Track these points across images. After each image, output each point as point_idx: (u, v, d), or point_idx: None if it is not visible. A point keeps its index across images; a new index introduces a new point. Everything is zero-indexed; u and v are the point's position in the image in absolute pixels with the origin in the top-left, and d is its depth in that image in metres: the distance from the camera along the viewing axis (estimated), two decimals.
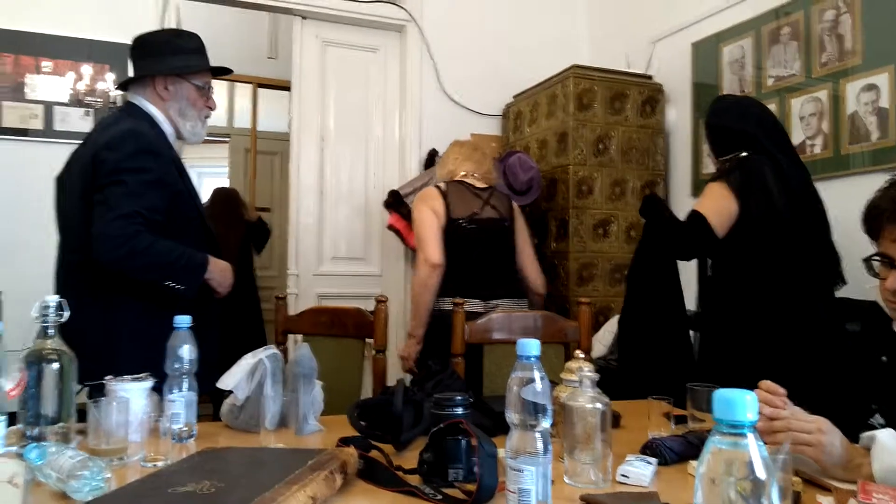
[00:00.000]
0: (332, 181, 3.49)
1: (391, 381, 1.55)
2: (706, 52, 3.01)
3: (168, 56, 1.77)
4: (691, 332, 2.08)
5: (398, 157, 3.57)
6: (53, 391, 1.27)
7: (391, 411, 1.28)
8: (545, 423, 0.86)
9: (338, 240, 3.47)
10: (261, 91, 4.94)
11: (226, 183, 4.83)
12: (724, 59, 2.91)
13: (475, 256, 2.37)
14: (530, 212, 3.06)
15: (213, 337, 1.78)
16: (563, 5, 3.84)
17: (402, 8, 3.55)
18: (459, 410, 1.13)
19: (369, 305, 2.00)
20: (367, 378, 1.99)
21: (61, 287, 1.70)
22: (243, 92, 5.04)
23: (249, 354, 1.47)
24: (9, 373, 1.24)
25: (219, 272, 1.77)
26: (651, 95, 3.19)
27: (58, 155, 2.88)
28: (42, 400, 1.26)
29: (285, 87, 3.87)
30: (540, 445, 0.86)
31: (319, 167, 3.47)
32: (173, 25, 3.13)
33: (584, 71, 3.10)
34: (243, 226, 4.07)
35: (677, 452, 1.17)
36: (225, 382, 1.44)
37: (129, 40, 2.99)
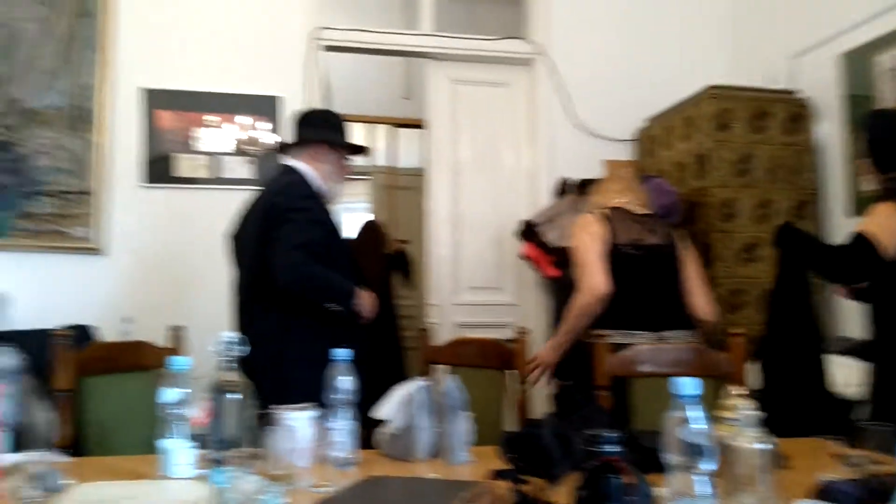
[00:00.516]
0: (466, 212, 3.59)
1: (534, 414, 1.57)
2: (858, 63, 2.81)
3: (323, 129, 2.13)
4: (860, 362, 1.93)
5: (529, 188, 3.61)
6: (234, 419, 1.40)
7: (541, 445, 1.29)
8: (707, 466, 0.85)
9: (473, 270, 3.55)
10: (397, 130, 5.21)
11: (368, 218, 5.08)
12: (879, 68, 2.70)
13: (642, 285, 2.22)
14: None
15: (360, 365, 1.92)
16: (695, 25, 3.74)
17: (530, 42, 3.62)
18: (614, 448, 1.12)
19: (505, 335, 2.03)
20: (509, 409, 2.01)
21: (241, 319, 1.97)
22: (381, 132, 5.31)
23: (402, 385, 1.55)
24: (197, 402, 1.39)
25: (365, 299, 2.01)
26: (796, 111, 3.01)
27: (223, 199, 3.20)
28: (224, 427, 1.40)
29: (419, 125, 4.05)
30: (702, 489, 0.84)
31: (453, 199, 3.59)
32: (318, 75, 3.39)
33: (722, 90, 2.99)
34: (384, 256, 4.26)
35: (857, 498, 1.09)
36: (380, 412, 1.52)
37: (279, 93, 3.28)
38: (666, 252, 2.28)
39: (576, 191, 3.29)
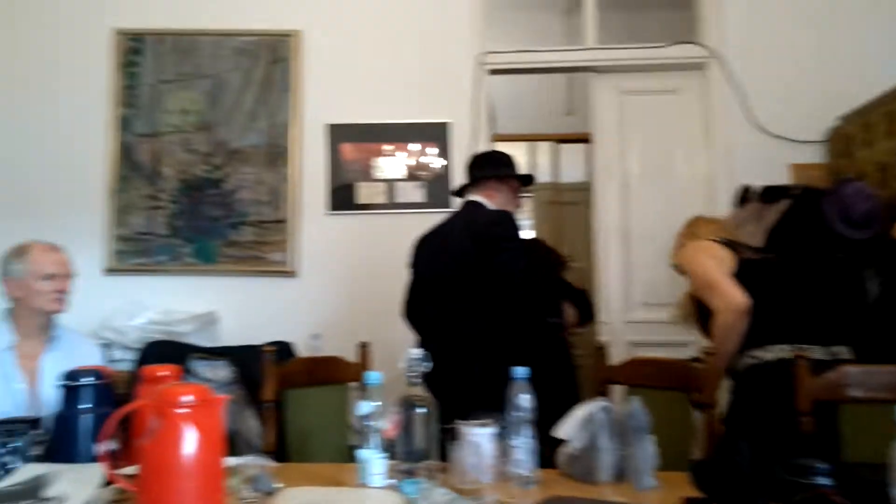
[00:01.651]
0: (636, 226, 3.48)
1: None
2: None
3: (490, 167, 2.32)
4: None
5: (705, 196, 3.42)
6: (421, 432, 1.47)
7: (739, 473, 1.22)
8: None
9: (646, 285, 3.43)
10: (559, 146, 5.21)
11: (531, 234, 5.12)
12: None
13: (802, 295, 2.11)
14: (872, 246, 2.66)
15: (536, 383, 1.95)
16: (889, 6, 3.35)
17: (702, 46, 3.45)
18: (824, 480, 1.03)
19: (685, 354, 1.93)
20: (693, 433, 1.91)
21: (427, 332, 2.15)
22: (543, 149, 5.34)
23: (582, 405, 1.53)
24: (387, 415, 1.48)
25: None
26: None
27: (399, 222, 3.38)
28: (412, 440, 1.48)
29: (582, 139, 4.01)
30: None
31: (622, 212, 3.50)
32: (483, 96, 3.48)
33: None
34: (550, 273, 4.24)
35: None
36: (561, 432, 1.52)
37: (448, 119, 3.41)
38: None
39: (758, 198, 3.06)
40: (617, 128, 3.54)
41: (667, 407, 1.94)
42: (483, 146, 3.42)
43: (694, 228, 2.57)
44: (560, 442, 1.56)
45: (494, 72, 3.52)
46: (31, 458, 1.44)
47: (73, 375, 1.52)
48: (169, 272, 3.36)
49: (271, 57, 3.47)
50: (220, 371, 2.66)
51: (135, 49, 3.45)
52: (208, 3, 3.50)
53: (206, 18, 3.47)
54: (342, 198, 3.45)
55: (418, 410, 1.47)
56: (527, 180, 2.41)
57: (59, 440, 1.49)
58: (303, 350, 3.16)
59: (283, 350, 2.86)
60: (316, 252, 3.42)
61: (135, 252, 3.36)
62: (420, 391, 1.49)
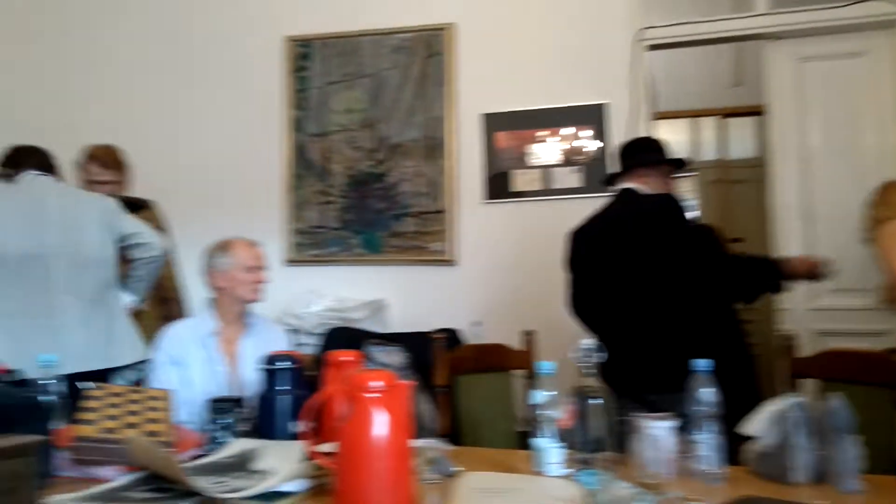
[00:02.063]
0: (820, 204, 3.18)
1: None
2: None
3: (642, 154, 2.26)
4: None
5: None
6: (597, 423, 1.45)
7: None
8: None
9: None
10: (725, 121, 4.87)
11: (695, 215, 4.85)
12: None
13: None
14: None
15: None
16: None
17: (891, 1, 3.06)
18: None
19: (883, 344, 1.73)
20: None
21: (607, 330, 2.10)
22: (707, 125, 5.02)
23: (773, 400, 1.43)
24: (561, 405, 1.47)
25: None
26: None
27: (555, 209, 3.35)
28: (588, 430, 1.46)
29: (753, 112, 3.72)
30: None
31: (803, 190, 3.21)
32: (642, 74, 3.34)
33: None
34: None
35: None
36: (750, 428, 1.43)
37: (604, 100, 3.31)
38: None
39: None
40: (794, 98, 3.25)
41: (866, 404, 1.77)
42: (643, 126, 3.29)
43: (889, 195, 2.30)
44: (743, 438, 1.47)
45: (654, 47, 3.36)
46: (238, 433, 1.61)
47: (271, 360, 1.67)
48: (340, 262, 3.59)
49: (426, 52, 3.56)
50: (395, 356, 2.80)
51: (303, 54, 3.70)
52: (367, 4, 3.66)
53: (366, 19, 3.63)
54: (498, 186, 3.48)
55: (593, 401, 1.45)
56: (678, 164, 2.33)
57: (261, 418, 1.65)
58: (463, 337, 3.24)
59: (451, 337, 2.95)
60: (474, 241, 3.48)
61: (310, 244, 3.62)
62: (594, 382, 1.47)
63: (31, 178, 2.36)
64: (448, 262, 3.48)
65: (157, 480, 1.31)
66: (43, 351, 2.08)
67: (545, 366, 1.47)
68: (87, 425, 1.48)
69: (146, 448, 1.35)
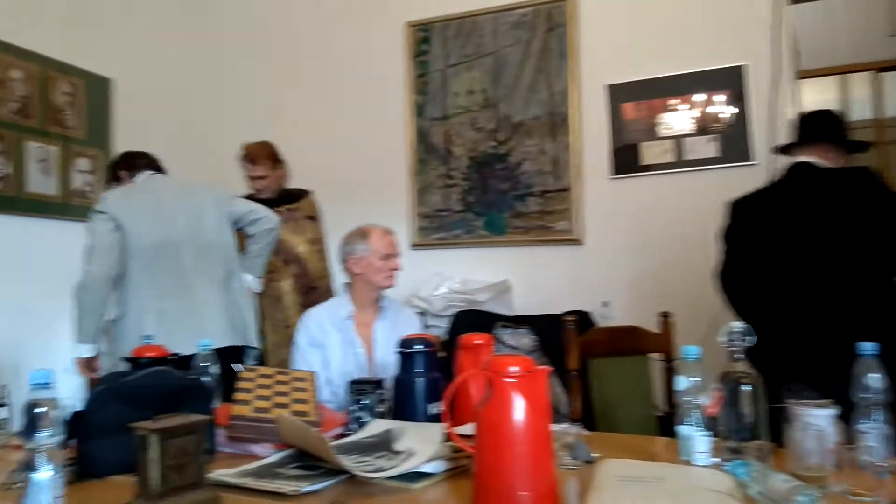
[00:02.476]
0: None
1: None
2: None
3: (824, 129, 2.15)
4: None
5: None
6: (747, 411, 1.36)
7: None
8: None
9: None
10: (881, 75, 4.39)
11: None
12: None
13: None
14: None
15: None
16: None
17: None
18: None
19: None
20: None
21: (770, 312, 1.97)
22: (859, 81, 4.56)
23: None
24: (708, 392, 1.39)
25: None
26: None
27: (689, 181, 3.18)
28: (737, 418, 1.38)
29: None
30: None
31: None
32: (785, 30, 3.06)
33: None
34: None
35: None
36: None
37: (742, 61, 3.07)
38: None
39: None
40: None
41: None
42: (786, 87, 3.04)
43: None
44: None
45: (798, 0, 3.08)
46: (378, 414, 1.66)
47: (407, 343, 1.71)
48: (464, 245, 3.61)
49: (546, 25, 3.47)
50: (523, 339, 2.79)
51: (423, 38, 3.73)
52: None
53: None
54: (625, 160, 3.35)
55: (743, 387, 1.36)
56: (860, 147, 2.23)
57: (397, 400, 1.69)
58: (596, 319, 3.16)
59: (581, 319, 2.89)
60: (600, 218, 3.38)
61: (434, 228, 3.67)
62: (744, 367, 1.37)
63: (147, 177, 2.59)
64: (574, 242, 3.41)
65: (306, 458, 1.38)
66: (189, 329, 2.27)
67: (691, 350, 1.39)
68: (242, 405, 1.58)
69: (296, 427, 1.42)
